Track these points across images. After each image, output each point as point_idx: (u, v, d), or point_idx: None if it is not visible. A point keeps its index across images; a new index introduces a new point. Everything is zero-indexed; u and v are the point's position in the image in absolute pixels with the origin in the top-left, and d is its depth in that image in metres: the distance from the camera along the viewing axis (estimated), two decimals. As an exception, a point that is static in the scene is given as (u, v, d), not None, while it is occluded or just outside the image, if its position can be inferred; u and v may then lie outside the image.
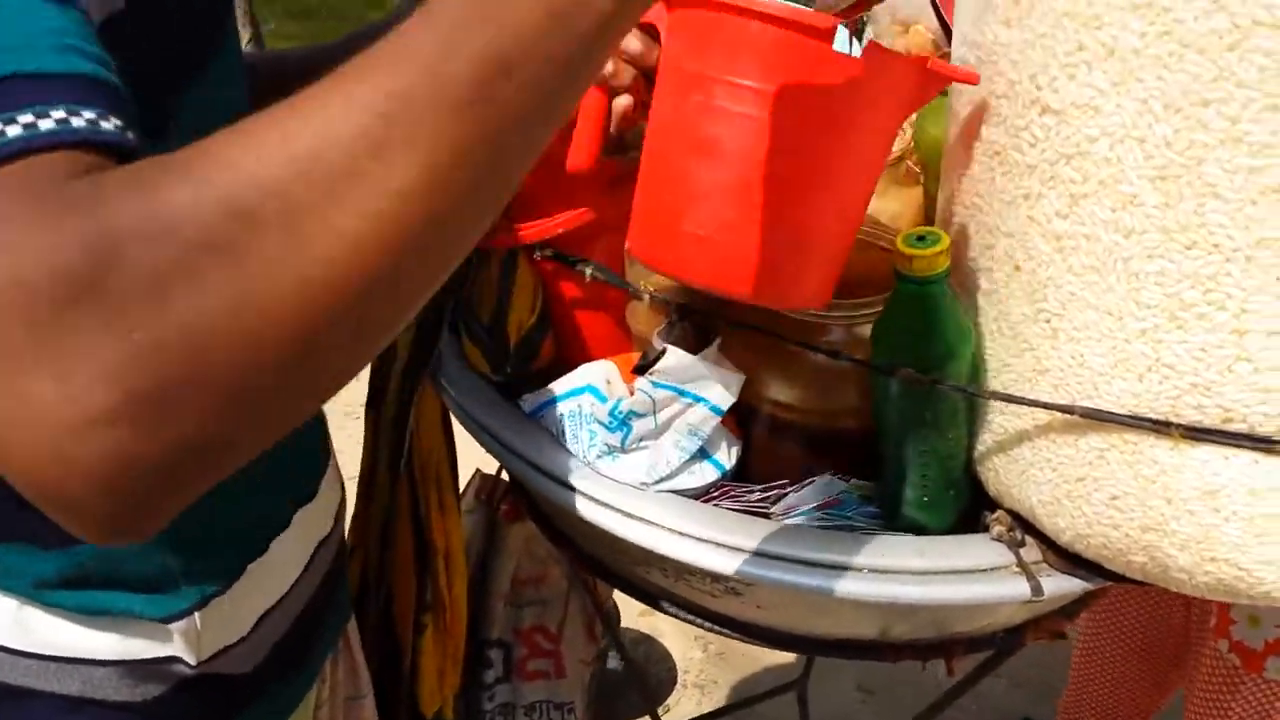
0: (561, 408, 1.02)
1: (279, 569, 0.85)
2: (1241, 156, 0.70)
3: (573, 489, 0.98)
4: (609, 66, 0.82)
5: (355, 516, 1.26)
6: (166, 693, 0.78)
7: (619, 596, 1.65)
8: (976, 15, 0.83)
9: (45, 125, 0.42)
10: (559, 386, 1.03)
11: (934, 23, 1.18)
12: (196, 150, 0.41)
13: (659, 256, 0.76)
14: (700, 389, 0.96)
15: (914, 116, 1.17)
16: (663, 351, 0.97)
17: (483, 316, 1.08)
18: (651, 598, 1.11)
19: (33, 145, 0.41)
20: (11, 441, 0.38)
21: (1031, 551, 0.94)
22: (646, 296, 1.00)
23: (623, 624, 2.10)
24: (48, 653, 0.74)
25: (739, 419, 1.02)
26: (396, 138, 0.40)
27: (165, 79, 0.65)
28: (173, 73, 0.66)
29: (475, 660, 1.38)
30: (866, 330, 0.94)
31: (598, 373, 1.00)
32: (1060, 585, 0.93)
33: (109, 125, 0.44)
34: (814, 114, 0.71)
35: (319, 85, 0.42)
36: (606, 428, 0.97)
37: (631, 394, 0.98)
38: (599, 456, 0.98)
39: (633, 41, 0.81)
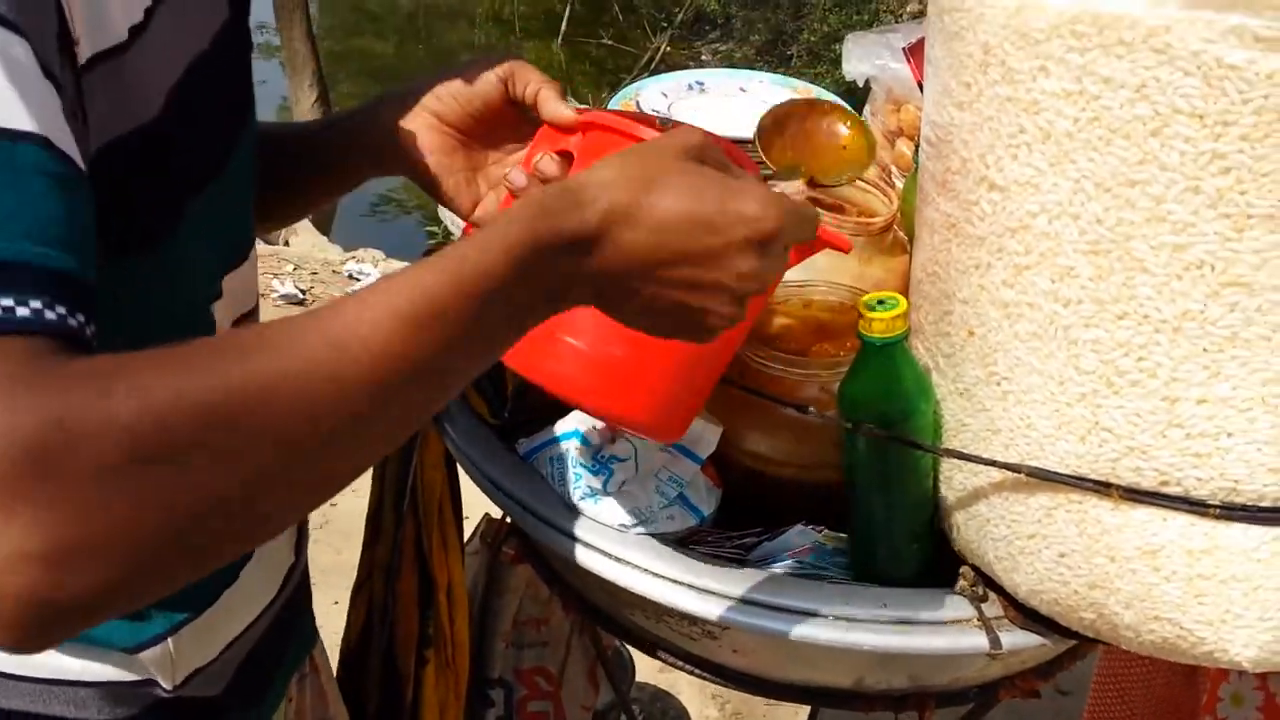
0: (551, 451, 1.08)
1: (250, 596, 0.89)
2: (1166, 234, 0.75)
3: (558, 529, 1.04)
4: (524, 184, 0.84)
5: (363, 553, 1.32)
6: (143, 713, 0.83)
7: (636, 651, 1.69)
8: (936, 98, 0.90)
9: (21, 312, 0.49)
10: (550, 431, 1.09)
11: (924, 102, 1.24)
12: (151, 363, 0.49)
13: (532, 365, 0.79)
14: (681, 438, 1.02)
15: (901, 188, 1.23)
16: (647, 402, 1.03)
17: (485, 364, 1.14)
18: (640, 641, 1.16)
19: (6, 328, 0.48)
20: None
21: (993, 607, 0.97)
22: (634, 350, 1.06)
23: (638, 678, 2.13)
24: (40, 675, 0.80)
25: (719, 468, 1.07)
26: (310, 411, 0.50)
27: (188, 182, 0.72)
28: (196, 176, 0.74)
29: (476, 699, 1.43)
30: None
31: (585, 419, 1.06)
32: (1018, 640, 0.96)
33: (74, 322, 0.51)
34: None
35: (261, 354, 0.50)
36: (590, 471, 1.03)
37: (615, 442, 1.04)
38: (583, 498, 1.04)
39: (549, 164, 0.83)
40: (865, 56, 1.28)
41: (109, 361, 0.49)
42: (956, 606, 0.97)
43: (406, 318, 0.52)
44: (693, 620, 1.04)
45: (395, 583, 1.27)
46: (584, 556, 1.03)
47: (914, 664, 1.06)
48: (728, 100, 1.39)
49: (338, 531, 2.74)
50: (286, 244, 4.58)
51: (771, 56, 9.29)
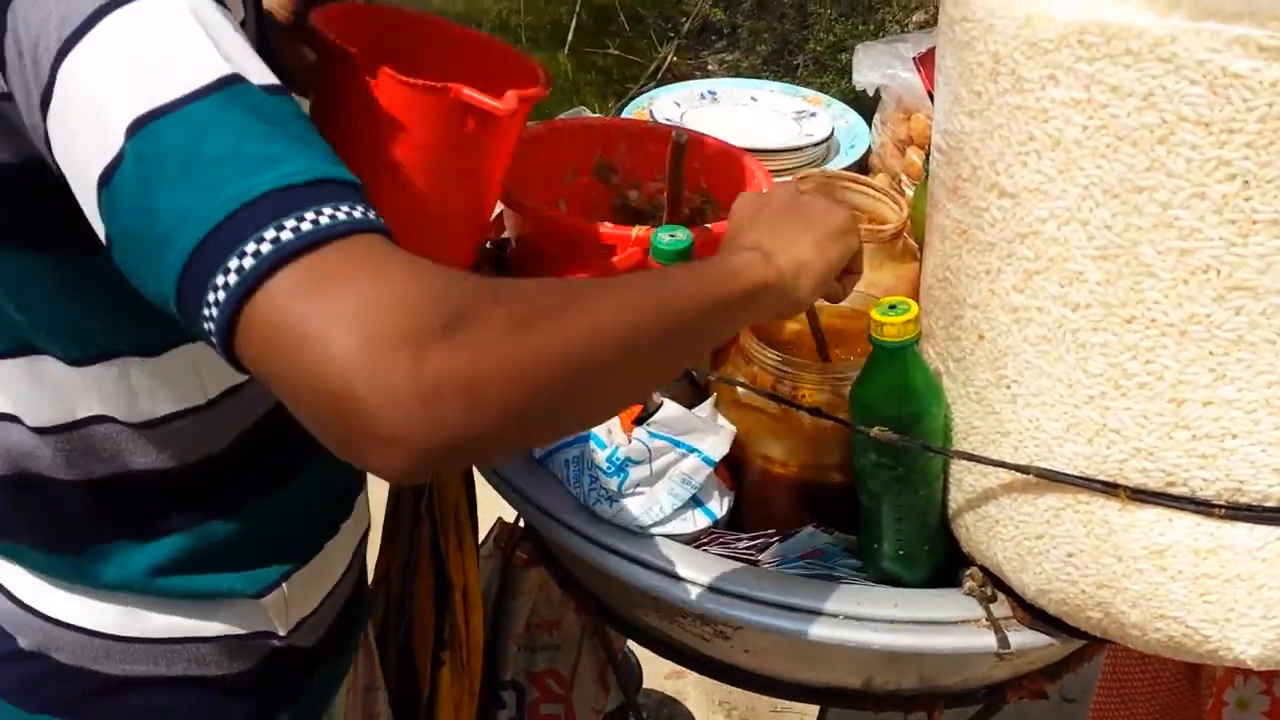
0: (566, 454, 1.09)
1: (343, 550, 0.98)
2: (1172, 239, 0.77)
3: (573, 530, 1.06)
4: None
5: (380, 552, 1.34)
6: (259, 664, 0.90)
7: (644, 658, 1.70)
8: (947, 107, 0.91)
9: (360, 214, 0.60)
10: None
11: (933, 111, 1.25)
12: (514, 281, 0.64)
13: None
14: (694, 440, 1.04)
15: (911, 196, 1.25)
16: (660, 405, 1.05)
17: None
18: (652, 641, 1.17)
19: (369, 225, 0.59)
20: (371, 406, 0.55)
21: (1002, 607, 0.99)
22: (648, 354, 1.08)
23: (646, 685, 2.14)
24: (158, 636, 0.86)
25: (732, 471, 1.09)
26: (629, 335, 0.66)
27: None
28: None
29: (489, 700, 1.44)
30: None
31: (602, 424, 1.08)
32: (1026, 640, 0.98)
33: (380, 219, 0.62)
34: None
35: (620, 288, 0.69)
36: (605, 473, 1.04)
37: (630, 443, 1.05)
38: (597, 501, 1.05)
39: None
40: (875, 66, 1.30)
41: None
42: (965, 607, 0.99)
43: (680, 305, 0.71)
44: (705, 620, 1.06)
45: (413, 582, 1.29)
46: (599, 557, 1.04)
47: (923, 664, 1.08)
48: (739, 109, 1.41)
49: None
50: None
51: (778, 66, 9.28)
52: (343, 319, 0.55)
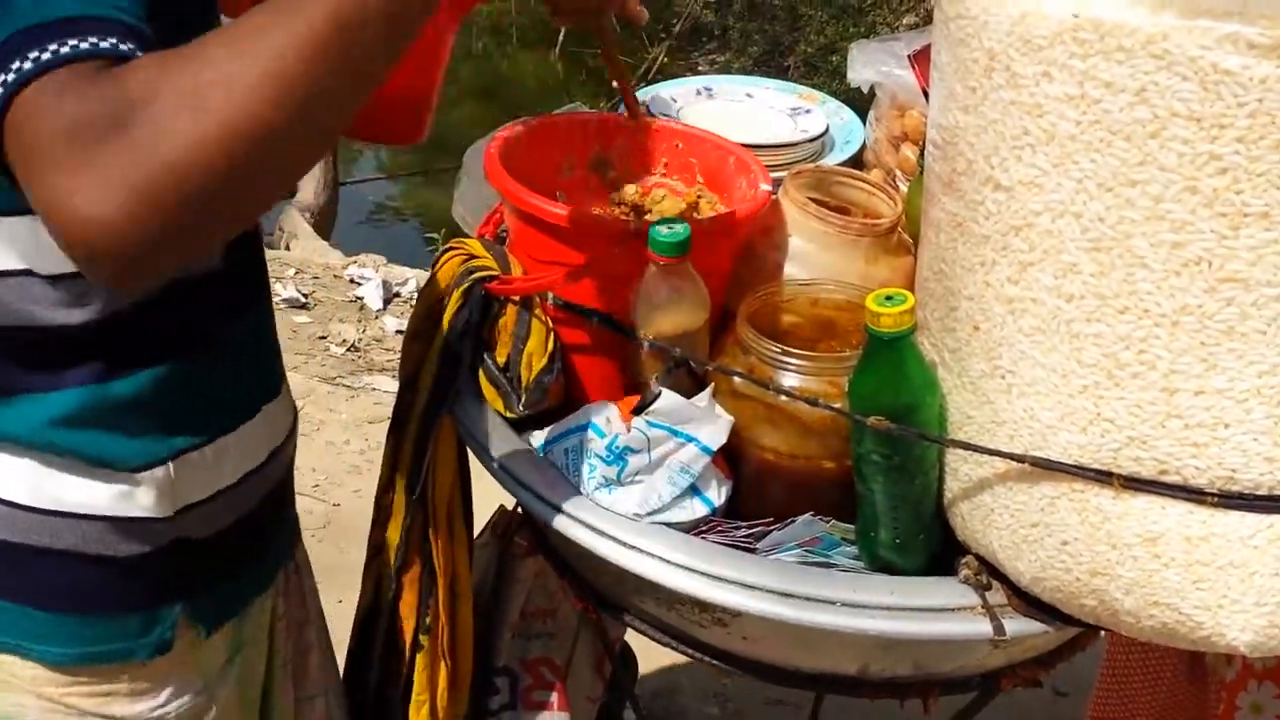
0: (566, 443, 1.11)
1: (242, 452, 1.00)
2: (1165, 232, 0.79)
3: (573, 518, 1.07)
4: None
5: (371, 531, 1.35)
6: (147, 551, 0.93)
7: (638, 648, 1.71)
8: (942, 102, 0.93)
9: (85, 45, 0.67)
10: (563, 424, 1.13)
11: (928, 108, 1.27)
12: (178, 52, 0.67)
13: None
14: (692, 430, 1.05)
15: (905, 191, 1.27)
16: (659, 394, 1.06)
17: (499, 358, 1.18)
18: (650, 628, 1.18)
19: (80, 55, 0.67)
20: (62, 223, 0.65)
21: (997, 595, 1.01)
22: (646, 344, 1.09)
23: (641, 675, 2.16)
24: (52, 508, 0.91)
25: (729, 460, 1.10)
26: (282, 68, 0.66)
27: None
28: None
29: (482, 686, 1.45)
30: (846, 382, 1.03)
31: (598, 412, 1.09)
32: (1021, 627, 0.99)
33: (126, 47, 0.69)
34: None
35: (249, 23, 0.68)
36: (604, 461, 1.06)
37: (629, 432, 1.07)
38: (596, 488, 1.07)
39: None
40: (870, 63, 1.32)
41: (150, 57, 0.68)
42: (961, 594, 1.01)
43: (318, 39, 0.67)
44: (703, 607, 1.07)
45: (403, 567, 1.29)
46: (598, 544, 1.06)
47: (919, 651, 1.09)
48: (734, 105, 1.42)
49: (340, 531, 2.76)
50: (287, 248, 4.60)
51: (768, 67, 9.31)
52: (41, 158, 0.65)
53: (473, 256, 1.19)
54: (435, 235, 6.19)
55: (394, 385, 3.42)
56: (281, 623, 1.15)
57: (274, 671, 1.14)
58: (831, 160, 1.35)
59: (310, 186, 5.07)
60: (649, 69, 9.77)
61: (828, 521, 1.07)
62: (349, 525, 2.79)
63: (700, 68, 10.60)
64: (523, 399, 1.17)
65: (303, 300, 3.94)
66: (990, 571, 1.01)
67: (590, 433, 1.08)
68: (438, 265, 1.22)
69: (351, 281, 4.21)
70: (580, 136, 1.29)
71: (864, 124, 1.40)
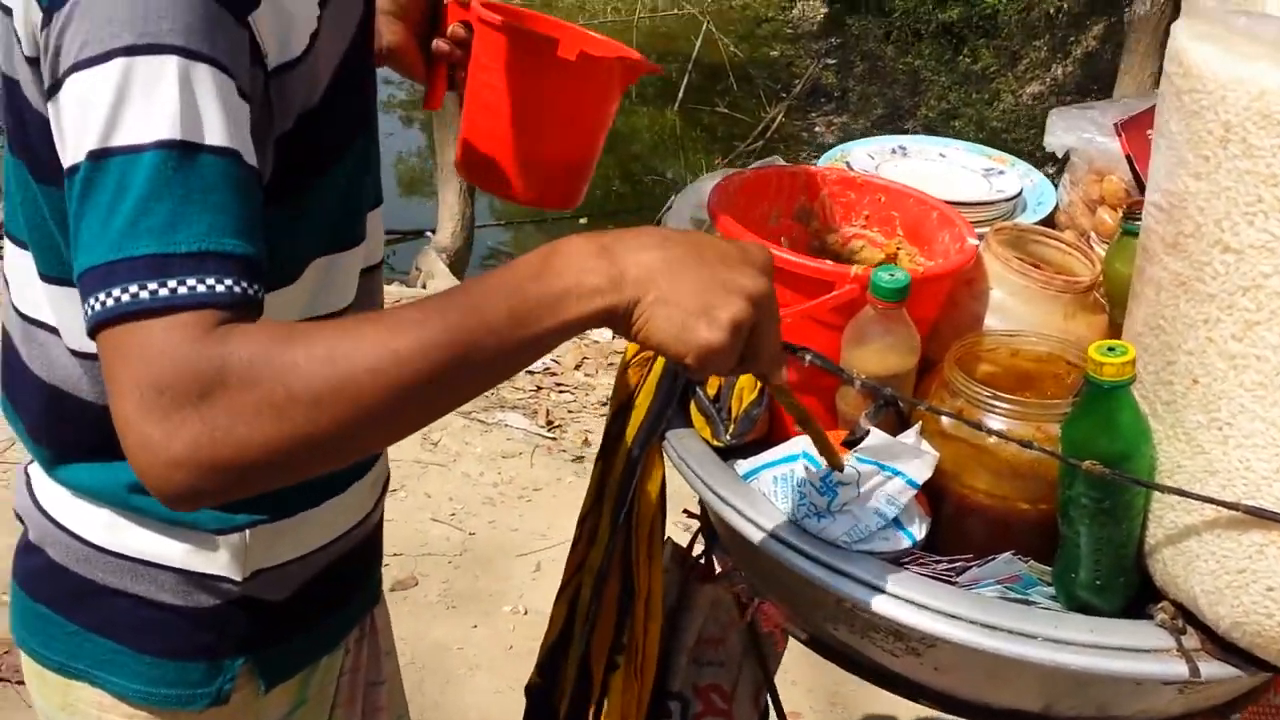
0: (775, 472, 1.18)
1: (323, 525, 1.04)
2: (1398, 297, 0.84)
3: (782, 542, 1.14)
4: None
5: (570, 556, 1.43)
6: (216, 605, 0.99)
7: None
8: (1169, 169, 0.99)
9: (203, 289, 0.74)
10: (772, 454, 1.20)
11: (1128, 175, 1.33)
12: (288, 338, 0.73)
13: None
14: (899, 465, 1.11)
15: (1104, 254, 1.32)
16: (868, 431, 1.13)
17: (709, 390, 1.26)
18: (840, 657, 1.24)
19: (200, 301, 0.73)
20: (129, 449, 0.73)
21: (1191, 640, 1.05)
22: (858, 383, 1.16)
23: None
24: (128, 554, 0.97)
25: (930, 498, 1.16)
26: (397, 379, 0.72)
27: (334, 149, 0.93)
28: (338, 145, 0.94)
29: (656, 710, 1.52)
30: (1053, 428, 1.09)
31: (811, 443, 1.16)
32: (1216, 670, 1.03)
33: (246, 289, 0.75)
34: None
35: (366, 326, 0.74)
36: (816, 490, 1.13)
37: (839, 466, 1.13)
38: (807, 516, 1.14)
39: (459, 30, 1.13)
40: (1070, 129, 1.38)
41: (261, 331, 0.74)
42: (1157, 636, 1.05)
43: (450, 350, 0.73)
44: (900, 635, 1.13)
45: (603, 587, 1.37)
46: (808, 568, 1.12)
47: (1106, 692, 1.13)
48: (928, 164, 1.49)
49: (475, 560, 2.86)
50: (424, 287, 4.77)
51: (887, 130, 9.38)
52: (129, 391, 0.72)
53: (691, 293, 1.27)
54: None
55: (524, 423, 3.57)
56: (347, 679, 1.16)
57: None
58: (1024, 220, 1.41)
59: (449, 228, 5.25)
60: (766, 129, 9.94)
61: (1026, 561, 1.12)
62: (483, 554, 2.90)
63: (817, 128, 10.73)
64: (730, 429, 1.24)
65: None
66: (1185, 617, 1.06)
67: (804, 462, 1.15)
68: (655, 300, 1.30)
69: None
70: (789, 187, 1.38)
71: (1054, 187, 1.46)
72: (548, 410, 3.66)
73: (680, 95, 10.86)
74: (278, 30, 0.84)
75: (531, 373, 3.99)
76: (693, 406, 1.28)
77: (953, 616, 1.06)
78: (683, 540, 1.56)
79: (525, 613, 2.64)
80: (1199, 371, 0.97)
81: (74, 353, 0.94)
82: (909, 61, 9.35)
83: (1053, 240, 1.33)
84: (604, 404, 3.85)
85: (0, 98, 0.89)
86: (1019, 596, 1.11)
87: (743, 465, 1.24)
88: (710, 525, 1.44)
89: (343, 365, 0.71)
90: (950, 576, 1.12)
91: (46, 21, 0.78)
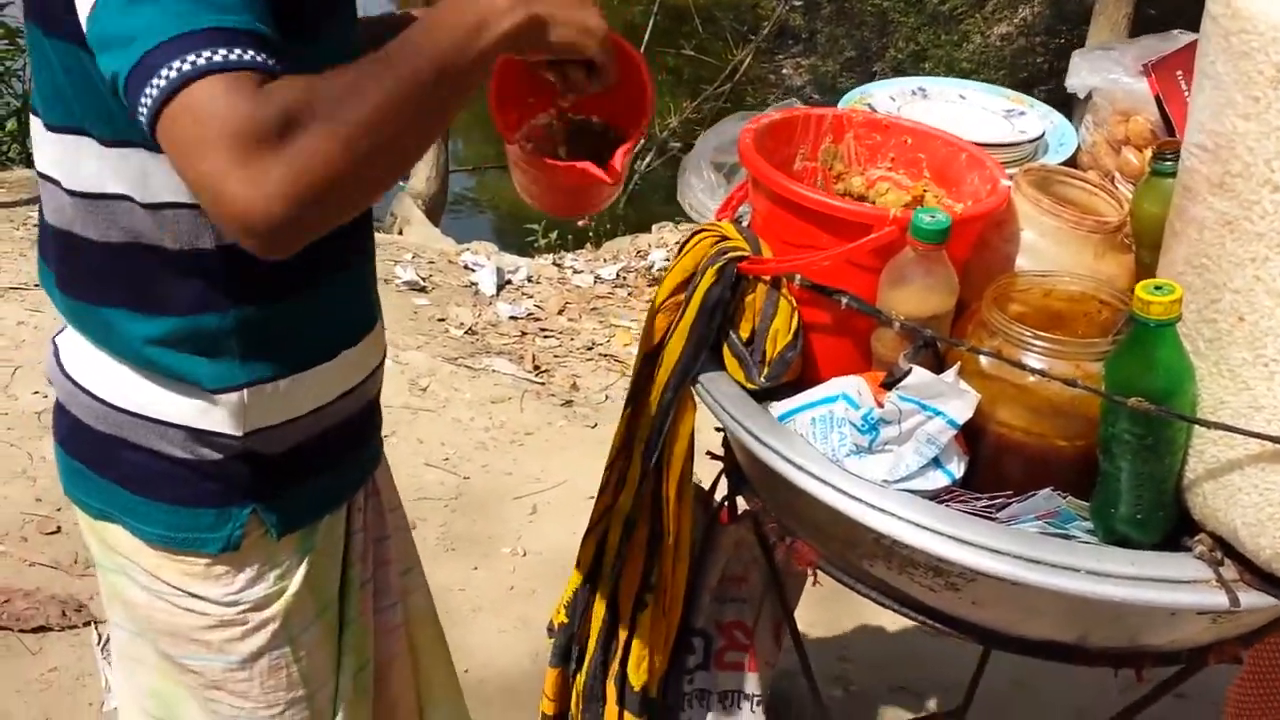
0: (813, 413, 1.19)
1: (316, 388, 1.11)
2: None
3: (823, 481, 1.15)
4: None
5: (598, 499, 1.44)
6: (220, 459, 1.07)
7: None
8: (1216, 109, 1.00)
9: (234, 56, 0.82)
10: (809, 395, 1.21)
11: (1154, 115, 1.34)
12: (324, 80, 0.83)
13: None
14: (940, 404, 1.13)
15: (1132, 194, 1.33)
16: (909, 370, 1.14)
17: (742, 333, 1.26)
18: (875, 592, 1.26)
19: (232, 65, 0.81)
20: (223, 205, 0.80)
21: (1229, 571, 1.08)
22: (897, 324, 1.17)
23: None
24: (140, 412, 1.05)
25: (967, 436, 1.18)
26: (396, 100, 0.85)
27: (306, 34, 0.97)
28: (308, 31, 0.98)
29: (680, 645, 1.54)
30: (1092, 366, 1.10)
31: (850, 385, 1.18)
32: (1254, 600, 1.06)
33: (266, 60, 0.84)
34: None
35: (373, 64, 0.85)
36: (859, 429, 1.14)
37: (879, 405, 1.15)
38: (847, 455, 1.15)
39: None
40: (1095, 70, 1.38)
41: (297, 80, 0.83)
42: (1196, 568, 1.08)
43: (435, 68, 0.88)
44: (939, 571, 1.15)
45: (632, 530, 1.39)
46: (849, 507, 1.14)
47: (1140, 623, 1.16)
48: (949, 105, 1.49)
49: (471, 503, 2.86)
50: (400, 233, 4.73)
51: (855, 72, 9.35)
52: (213, 147, 0.80)
53: (725, 238, 1.28)
54: (535, 225, 6.32)
55: (511, 368, 3.57)
56: (359, 536, 1.24)
57: (350, 591, 1.23)
58: (1047, 161, 1.42)
59: (423, 174, 5.19)
60: (734, 71, 9.87)
61: (1064, 497, 1.14)
62: (478, 498, 2.90)
63: (785, 70, 10.69)
64: (765, 372, 1.25)
65: (421, 284, 4.06)
66: (1222, 548, 1.08)
67: (842, 403, 1.16)
68: (686, 246, 1.31)
69: (466, 268, 4.33)
70: (815, 129, 1.37)
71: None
72: (534, 355, 3.65)
73: (646, 39, 10.76)
74: None
75: (515, 318, 3.98)
76: (725, 350, 1.29)
77: (996, 551, 1.08)
78: (704, 483, 1.58)
79: (524, 554, 2.65)
80: (1245, 309, 0.99)
81: (70, 193, 1.01)
82: (876, 3, 9.30)
83: (1078, 181, 1.34)
84: (589, 348, 3.85)
85: None
86: (1058, 531, 1.13)
87: (777, 407, 1.25)
88: (736, 467, 1.45)
89: (371, 94, 0.84)
90: (990, 513, 1.14)
91: None
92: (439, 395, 3.33)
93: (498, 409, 3.31)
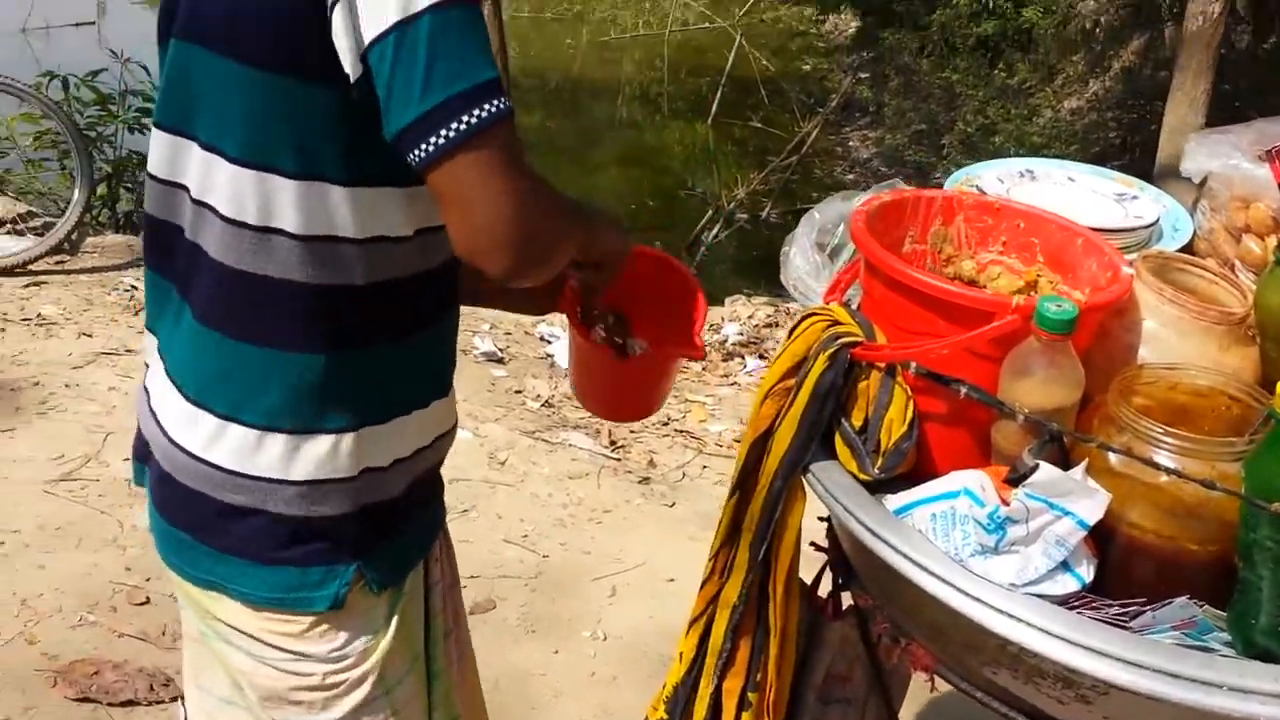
0: (933, 508, 1.14)
1: (415, 432, 1.18)
2: None
3: (946, 582, 1.10)
4: None
5: (703, 589, 1.40)
6: (333, 516, 1.11)
7: None
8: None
9: (503, 105, 0.99)
10: (928, 489, 1.16)
11: (1276, 201, 1.29)
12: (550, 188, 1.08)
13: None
14: (1069, 504, 1.08)
15: (1255, 284, 1.28)
16: (1035, 466, 1.09)
17: (855, 421, 1.23)
18: (999, 702, 1.20)
19: (504, 114, 0.99)
20: (489, 234, 1.00)
21: (1384, 689, 1.00)
22: (1021, 417, 1.13)
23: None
24: (252, 473, 1.09)
25: (1095, 537, 1.12)
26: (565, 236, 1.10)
27: None
28: None
29: (780, 746, 1.48)
30: (1228, 467, 1.05)
31: (973, 480, 1.13)
32: None
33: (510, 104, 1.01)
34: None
35: (568, 205, 1.12)
36: (984, 529, 1.09)
37: (1004, 502, 1.10)
38: (971, 554, 1.10)
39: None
40: (1212, 154, 1.34)
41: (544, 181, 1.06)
42: (1350, 686, 1.01)
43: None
44: (1069, 682, 1.09)
45: (740, 623, 1.34)
46: (972, 610, 1.09)
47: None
48: (1058, 188, 1.46)
49: (551, 582, 2.83)
50: (476, 304, 4.76)
51: (923, 145, 9.34)
52: (495, 206, 0.99)
53: (836, 322, 1.25)
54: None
55: (588, 443, 3.55)
56: (438, 588, 1.27)
57: (435, 642, 1.27)
58: (1162, 247, 1.38)
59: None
60: (801, 143, 9.91)
61: (1201, 606, 1.08)
62: (557, 578, 2.87)
63: (852, 143, 10.70)
64: (880, 463, 1.21)
65: (499, 355, 4.07)
66: (1375, 665, 1.02)
67: (966, 499, 1.12)
68: (796, 330, 1.28)
69: (542, 339, 4.34)
70: (925, 212, 1.35)
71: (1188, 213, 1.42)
72: (610, 430, 3.62)
73: (713, 110, 10.86)
74: None
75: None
76: (837, 438, 1.25)
77: (1133, 664, 1.03)
78: (805, 575, 1.53)
79: (604, 638, 2.60)
80: (1404, 410, 0.93)
81: (229, 221, 1.07)
82: (945, 76, 9.30)
83: (1199, 269, 1.30)
84: (664, 424, 3.82)
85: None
86: (1196, 643, 1.07)
87: (893, 500, 1.20)
88: (842, 560, 1.41)
89: (564, 217, 1.09)
90: (1123, 621, 1.08)
91: None
92: (517, 469, 3.31)
93: (575, 485, 3.29)
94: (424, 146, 0.97)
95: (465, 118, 0.96)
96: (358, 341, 1.10)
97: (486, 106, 0.97)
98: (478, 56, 0.98)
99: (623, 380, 1.36)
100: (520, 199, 0.99)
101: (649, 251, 1.36)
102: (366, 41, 0.96)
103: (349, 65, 0.98)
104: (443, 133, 0.96)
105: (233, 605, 1.14)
